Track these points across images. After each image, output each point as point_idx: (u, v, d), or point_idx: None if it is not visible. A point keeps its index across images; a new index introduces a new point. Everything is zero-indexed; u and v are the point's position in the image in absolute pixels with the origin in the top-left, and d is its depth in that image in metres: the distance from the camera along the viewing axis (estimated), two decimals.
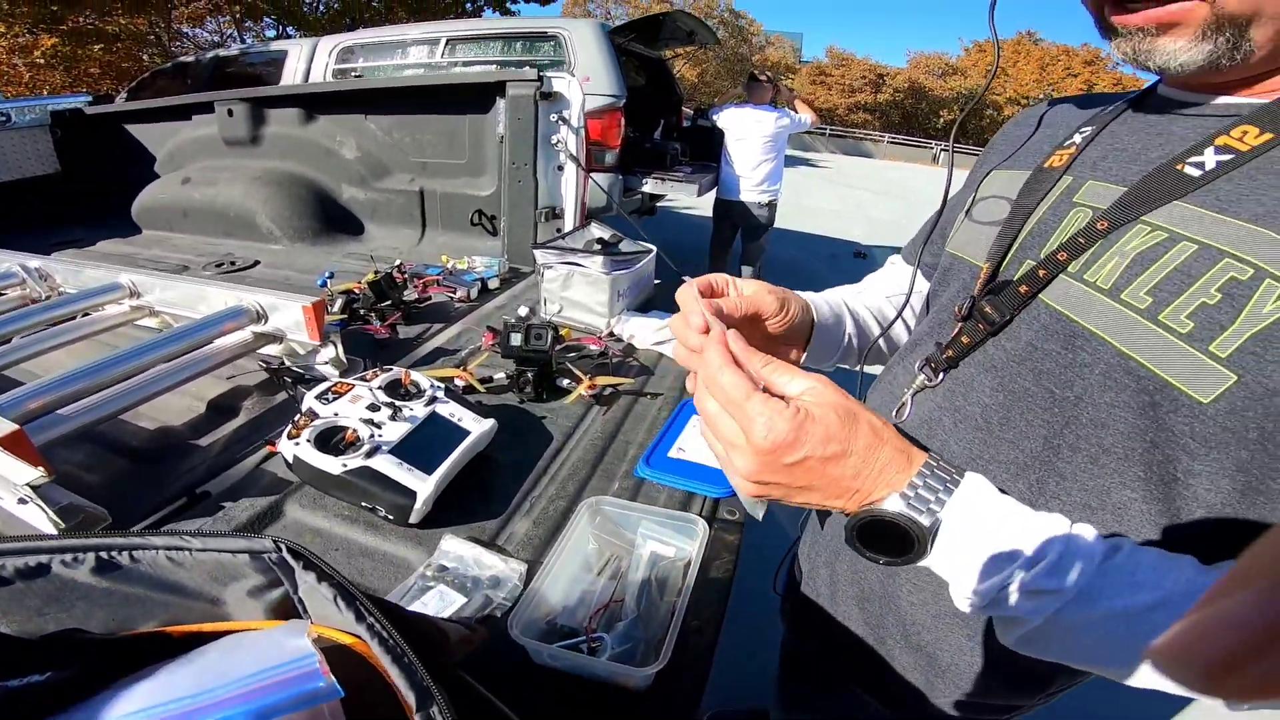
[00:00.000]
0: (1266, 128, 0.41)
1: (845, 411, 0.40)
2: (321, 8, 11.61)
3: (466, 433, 0.93)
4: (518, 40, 4.08)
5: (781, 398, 0.40)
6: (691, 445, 1.06)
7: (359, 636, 0.37)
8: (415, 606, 0.72)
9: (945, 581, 0.43)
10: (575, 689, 0.65)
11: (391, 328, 1.33)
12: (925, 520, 0.39)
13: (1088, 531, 0.39)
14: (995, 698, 0.66)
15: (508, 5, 13.42)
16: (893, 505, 0.39)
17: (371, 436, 0.86)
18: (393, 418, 0.89)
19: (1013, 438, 0.52)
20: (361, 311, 1.37)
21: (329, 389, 0.91)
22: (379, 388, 0.93)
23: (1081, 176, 0.53)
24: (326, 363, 1.15)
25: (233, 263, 2.00)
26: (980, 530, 0.39)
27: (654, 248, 1.59)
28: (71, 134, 2.52)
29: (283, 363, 1.12)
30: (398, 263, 1.68)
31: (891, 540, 0.41)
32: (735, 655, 1.62)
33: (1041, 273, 0.50)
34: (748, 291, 0.56)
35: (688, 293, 0.50)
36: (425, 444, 0.89)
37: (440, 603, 0.73)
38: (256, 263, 2.01)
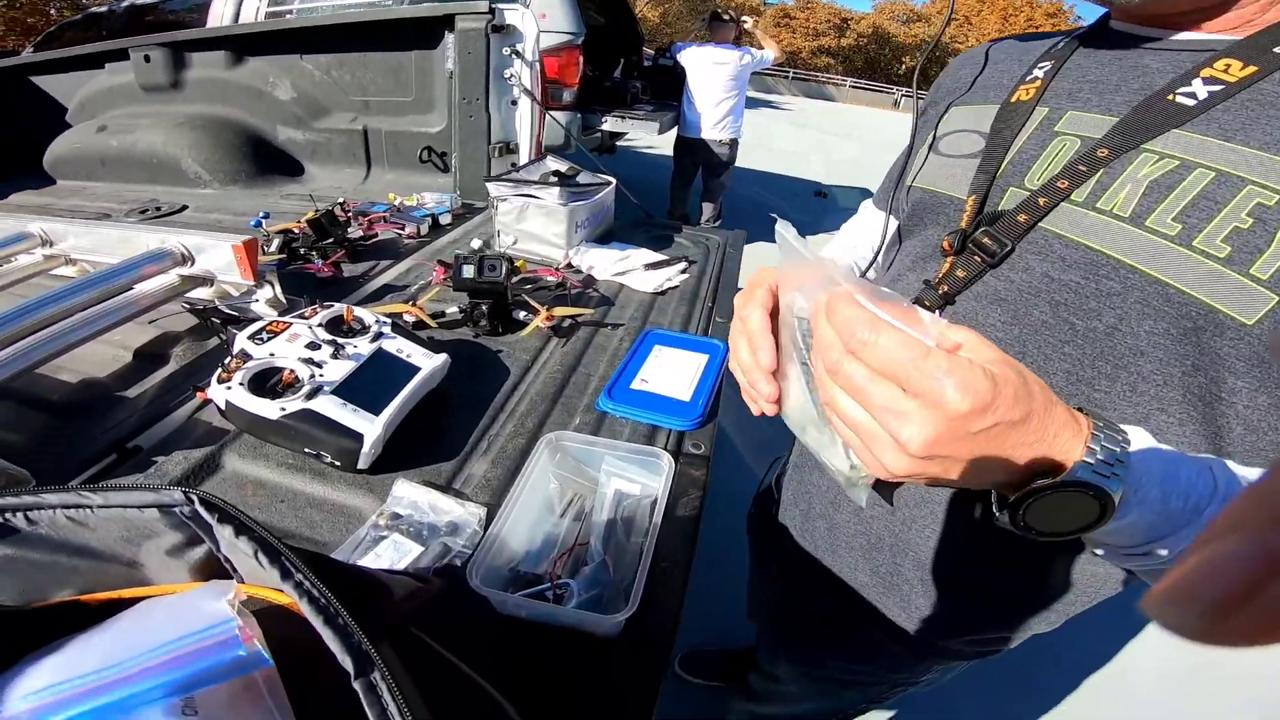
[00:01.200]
0: (1250, 61, 0.43)
1: (1016, 368, 0.35)
2: None
3: (416, 369, 0.87)
4: None
5: None
6: (655, 376, 1.02)
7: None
8: (368, 559, 0.68)
9: (967, 522, 0.42)
10: (542, 638, 0.62)
11: (335, 265, 1.24)
12: (1116, 490, 0.34)
13: (1240, 470, 0.38)
14: (1009, 628, 0.68)
15: None
16: (1080, 475, 0.34)
17: (312, 377, 0.79)
18: (335, 356, 0.82)
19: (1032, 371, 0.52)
20: (302, 251, 1.27)
21: (263, 328, 0.84)
22: (319, 325, 0.86)
23: (1059, 107, 0.54)
24: (263, 301, 1.06)
25: (158, 208, 1.86)
26: (1158, 491, 0.36)
27: (613, 179, 1.52)
28: None
29: (213, 304, 1.03)
30: (340, 200, 1.57)
31: (1065, 513, 0.36)
32: (704, 595, 1.64)
33: (1042, 201, 0.50)
34: None
35: (754, 315, 0.48)
36: (371, 383, 0.83)
37: (395, 553, 0.69)
38: (184, 207, 1.87)
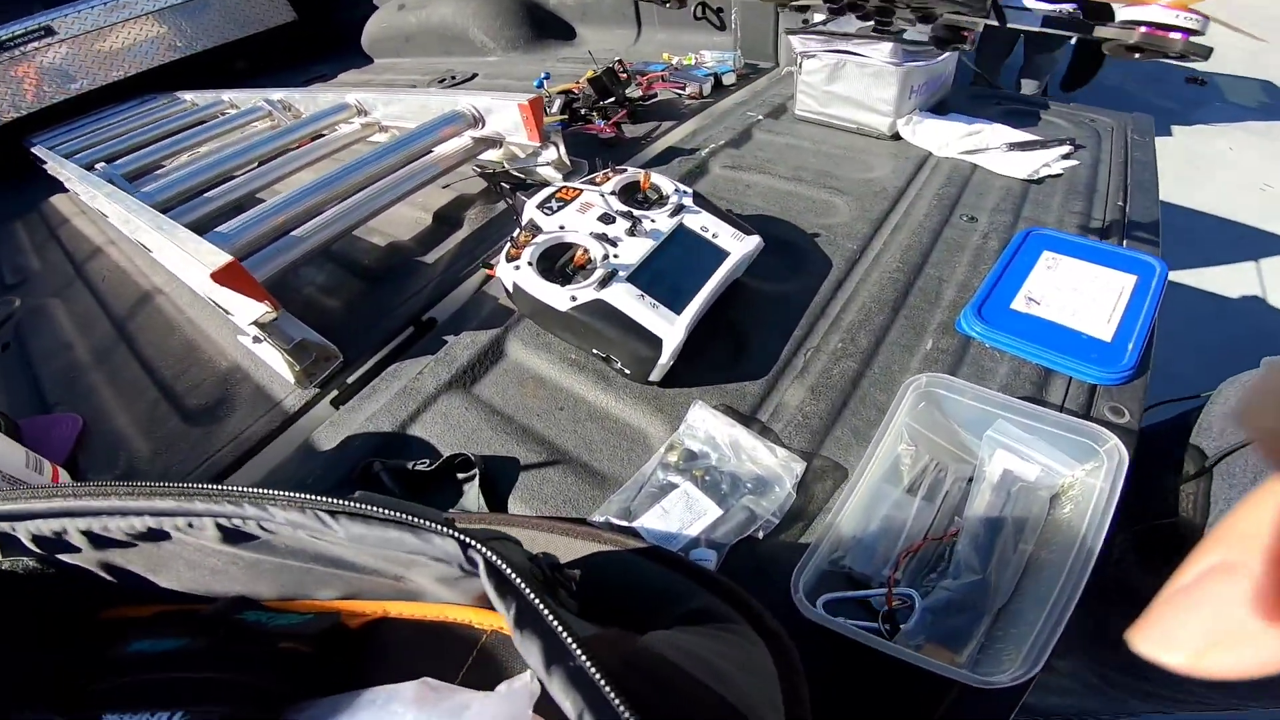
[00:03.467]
0: None
1: None
2: None
3: (725, 253, 0.68)
4: None
5: None
6: (1050, 296, 0.70)
7: None
8: (653, 515, 0.53)
9: None
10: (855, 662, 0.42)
11: (617, 126, 1.10)
12: None
13: None
14: None
15: None
16: None
17: (605, 258, 0.64)
18: (631, 232, 0.66)
19: None
20: (583, 111, 1.16)
21: (553, 195, 0.70)
22: (612, 193, 0.70)
23: None
24: (548, 164, 0.97)
25: (453, 77, 1.96)
26: None
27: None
28: None
29: (502, 168, 0.95)
30: (618, 58, 1.41)
31: None
32: None
33: None
34: None
35: None
36: (672, 268, 0.65)
37: (687, 513, 0.52)
38: (474, 75, 1.94)
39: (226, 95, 1.72)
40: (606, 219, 0.67)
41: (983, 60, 3.53)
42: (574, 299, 0.60)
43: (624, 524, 0.53)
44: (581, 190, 0.70)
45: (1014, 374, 0.63)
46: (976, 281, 0.72)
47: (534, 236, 0.67)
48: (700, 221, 0.68)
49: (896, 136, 1.05)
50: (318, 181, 0.90)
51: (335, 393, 0.71)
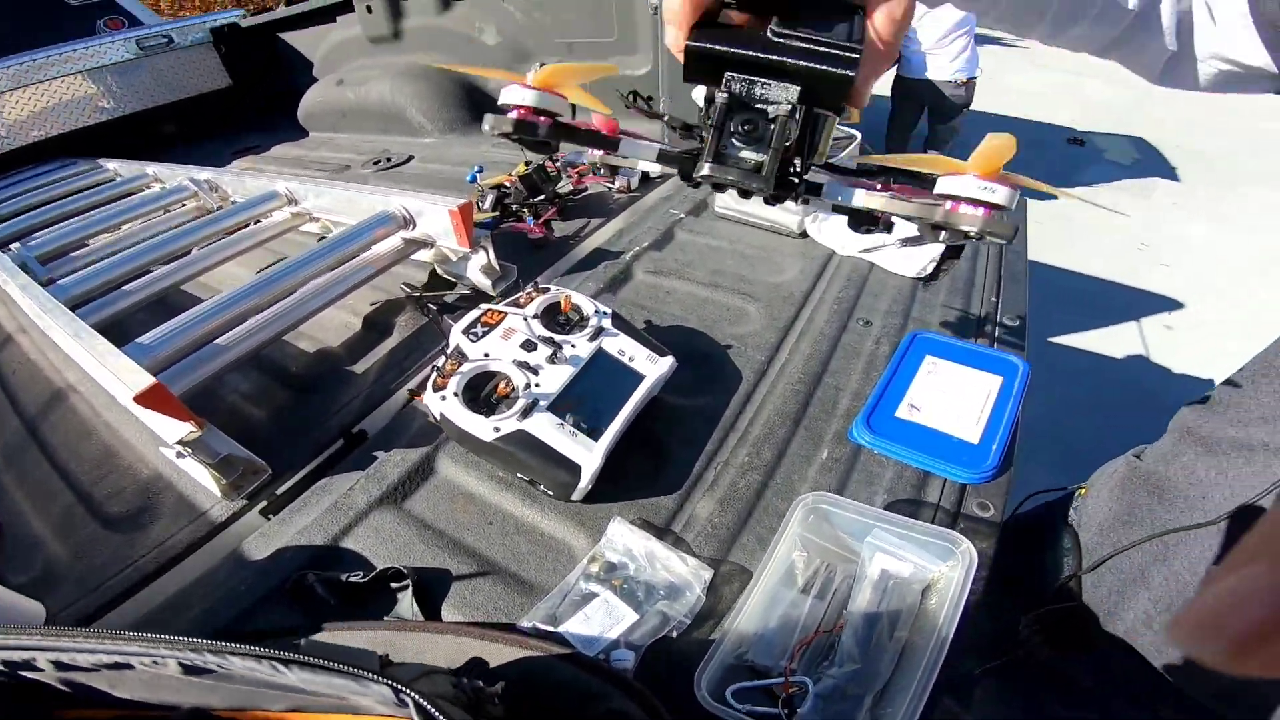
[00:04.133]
0: None
1: None
2: None
3: (640, 377, 0.74)
4: None
5: None
6: (928, 401, 0.78)
7: None
8: (576, 620, 0.58)
9: None
10: None
11: (546, 225, 1.16)
12: None
13: None
14: None
15: None
16: None
17: (528, 386, 0.68)
18: (552, 359, 0.71)
19: None
20: (514, 208, 1.21)
21: (477, 319, 0.75)
22: (534, 316, 0.75)
23: None
24: (479, 268, 1.01)
25: (389, 159, 1.97)
26: None
27: (858, 133, 1.24)
28: (235, 48, 2.61)
29: (429, 281, 0.99)
30: (549, 156, 1.49)
31: None
32: None
33: None
34: None
35: None
36: (591, 394, 0.71)
37: (607, 619, 0.57)
38: (410, 157, 1.95)
39: (151, 169, 1.69)
40: (529, 346, 0.72)
41: (893, 132, 3.86)
42: (497, 430, 0.64)
43: (550, 629, 0.57)
44: (505, 314, 0.75)
45: (898, 477, 0.70)
46: (868, 389, 0.81)
47: (459, 365, 0.70)
48: (618, 345, 0.75)
49: (804, 234, 1.14)
50: (243, 290, 0.91)
51: (265, 503, 0.73)
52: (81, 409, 0.93)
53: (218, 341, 0.84)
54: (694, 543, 0.65)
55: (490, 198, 1.22)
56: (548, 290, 0.79)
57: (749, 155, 0.39)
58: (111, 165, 1.92)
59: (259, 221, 1.24)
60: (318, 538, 0.67)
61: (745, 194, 0.40)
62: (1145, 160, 4.88)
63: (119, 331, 0.84)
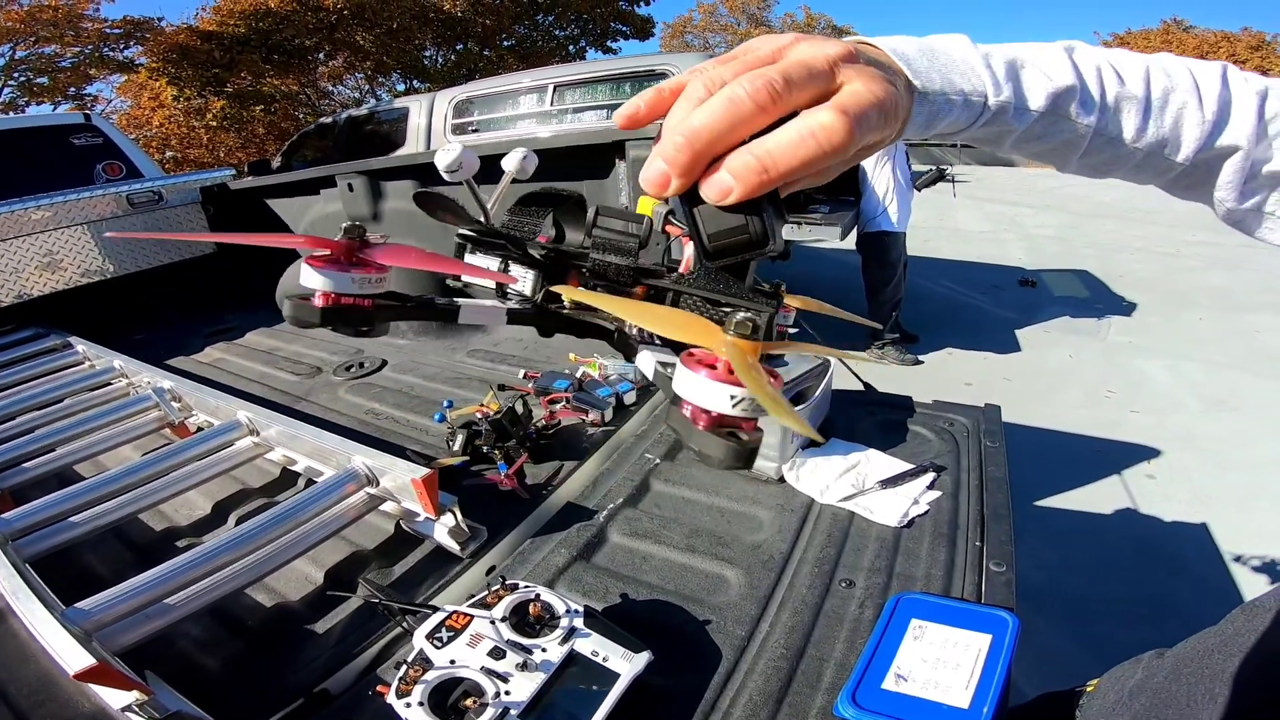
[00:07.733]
0: None
1: None
2: (440, 61, 12.54)
3: (614, 677, 0.70)
4: (626, 81, 3.96)
5: None
6: (916, 670, 0.75)
7: None
8: None
9: None
10: None
11: (518, 477, 1.14)
12: None
13: None
14: None
15: (608, 44, 14.00)
16: None
17: (497, 695, 0.65)
18: (522, 666, 0.67)
19: None
20: (485, 450, 1.20)
21: (442, 623, 0.72)
22: (503, 619, 0.72)
23: None
24: (445, 532, 0.99)
25: (361, 364, 1.95)
26: None
27: (831, 360, 1.26)
28: (222, 210, 2.61)
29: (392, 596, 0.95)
30: (521, 377, 1.53)
31: None
32: None
33: None
34: None
35: None
36: (564, 699, 0.67)
37: None
38: (384, 363, 1.94)
39: (118, 362, 1.70)
40: (497, 653, 0.68)
41: (880, 306, 3.88)
42: None
43: None
44: (471, 618, 0.72)
45: None
46: (853, 658, 0.77)
47: (424, 672, 0.67)
48: (591, 645, 0.71)
49: (783, 479, 1.13)
50: (200, 554, 0.89)
51: None
52: (21, 633, 0.86)
53: (167, 601, 0.82)
54: None
55: (460, 438, 1.22)
56: (516, 588, 0.76)
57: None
58: (81, 347, 1.89)
59: (219, 451, 1.24)
60: None
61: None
62: (1093, 295, 5.16)
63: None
